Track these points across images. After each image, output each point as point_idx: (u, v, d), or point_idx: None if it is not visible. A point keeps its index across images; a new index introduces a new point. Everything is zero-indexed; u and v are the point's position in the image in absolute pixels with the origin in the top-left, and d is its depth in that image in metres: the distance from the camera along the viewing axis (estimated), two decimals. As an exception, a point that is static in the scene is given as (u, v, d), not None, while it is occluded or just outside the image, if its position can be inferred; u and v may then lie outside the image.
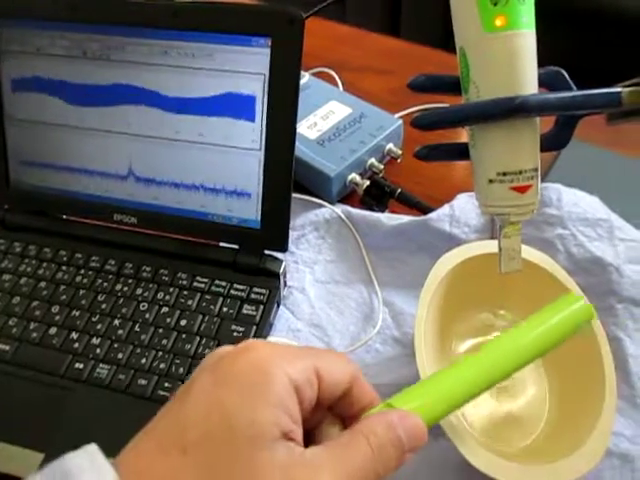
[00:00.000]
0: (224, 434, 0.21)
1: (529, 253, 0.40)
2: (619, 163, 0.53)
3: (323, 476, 0.21)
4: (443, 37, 1.13)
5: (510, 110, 0.27)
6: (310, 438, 0.24)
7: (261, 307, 0.42)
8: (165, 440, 0.22)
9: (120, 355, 0.41)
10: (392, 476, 0.32)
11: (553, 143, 0.32)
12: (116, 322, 0.42)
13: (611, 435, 0.33)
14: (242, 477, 0.21)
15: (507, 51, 0.28)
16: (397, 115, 0.57)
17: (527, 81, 0.28)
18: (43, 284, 0.45)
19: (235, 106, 0.42)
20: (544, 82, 0.30)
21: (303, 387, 0.23)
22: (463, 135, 0.32)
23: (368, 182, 0.52)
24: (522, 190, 0.29)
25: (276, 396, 0.22)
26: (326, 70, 0.65)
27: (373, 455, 0.22)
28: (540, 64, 0.29)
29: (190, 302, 0.43)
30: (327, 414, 0.25)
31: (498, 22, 0.27)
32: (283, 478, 0.21)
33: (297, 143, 0.42)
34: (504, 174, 0.29)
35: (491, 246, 0.39)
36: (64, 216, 0.50)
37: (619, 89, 0.29)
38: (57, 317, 0.43)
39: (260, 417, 0.21)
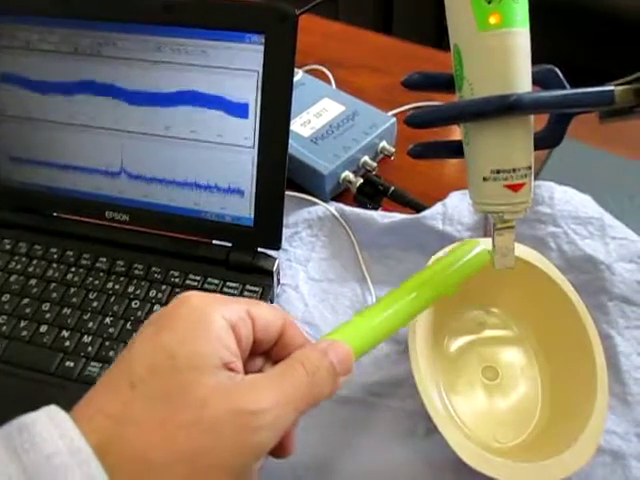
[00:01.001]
0: (169, 366, 0.23)
1: (522, 251, 0.40)
2: (611, 162, 0.53)
3: (263, 397, 0.23)
4: (435, 35, 1.13)
5: (504, 108, 0.27)
6: None
7: (254, 305, 0.42)
8: (113, 382, 0.24)
9: (112, 353, 0.40)
10: (387, 471, 0.32)
11: (546, 141, 0.32)
12: (107, 320, 0.42)
13: (603, 432, 0.34)
14: (188, 402, 0.22)
15: (501, 49, 0.28)
16: (390, 113, 0.57)
17: (521, 79, 0.28)
18: (33, 282, 0.45)
19: (228, 103, 0.42)
20: (537, 80, 0.30)
21: (238, 325, 0.25)
22: (456, 134, 0.32)
23: (361, 180, 0.51)
24: (516, 188, 0.29)
25: (214, 332, 0.24)
26: (319, 67, 0.65)
27: (308, 377, 0.25)
28: (533, 62, 0.29)
29: (182, 300, 0.43)
30: (266, 361, 0.28)
31: (492, 20, 0.27)
32: (226, 400, 0.22)
33: (290, 141, 0.42)
34: (498, 172, 0.29)
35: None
36: (55, 213, 0.49)
37: (611, 87, 0.29)
38: (47, 315, 0.43)
39: (201, 349, 0.23)
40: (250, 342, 0.26)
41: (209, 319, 0.24)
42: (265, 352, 0.28)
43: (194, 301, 0.25)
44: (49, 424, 0.21)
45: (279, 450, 0.26)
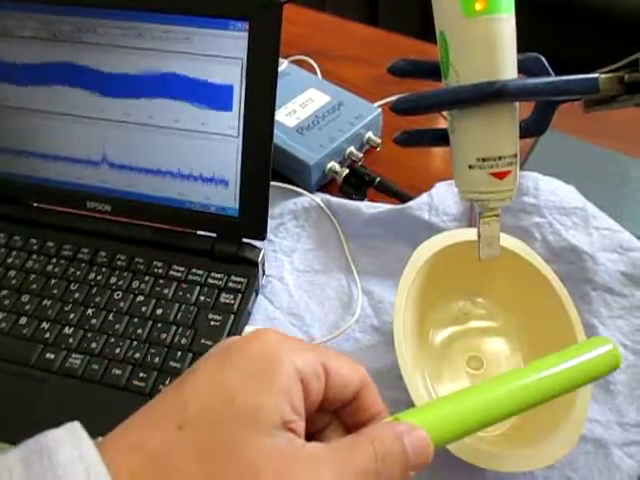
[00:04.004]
0: (224, 413, 0.20)
1: (507, 241, 0.40)
2: (594, 153, 0.54)
3: (323, 472, 0.20)
4: (420, 27, 1.13)
5: (489, 95, 0.27)
6: (312, 440, 0.23)
7: (239, 296, 0.42)
8: (161, 415, 0.21)
9: (94, 345, 0.40)
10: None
11: (532, 129, 0.32)
12: (89, 311, 0.41)
13: (586, 421, 0.34)
14: (238, 460, 0.20)
15: (487, 35, 0.27)
16: (376, 104, 0.56)
17: (506, 66, 0.28)
18: (12, 273, 0.44)
19: (212, 91, 0.41)
20: (523, 68, 0.30)
21: (309, 379, 0.22)
22: (441, 124, 0.32)
23: (347, 171, 0.51)
24: (501, 176, 0.29)
25: (281, 383, 0.21)
26: (305, 58, 0.64)
27: (376, 461, 0.21)
28: (519, 52, 0.29)
29: (166, 291, 0.42)
30: (333, 420, 0.25)
31: (478, 6, 0.27)
32: (280, 468, 0.20)
33: (276, 131, 0.41)
34: (483, 160, 0.29)
35: (469, 234, 0.40)
36: (35, 203, 0.48)
37: (596, 75, 0.29)
38: (27, 306, 0.42)
39: (262, 401, 0.21)
40: (319, 399, 0.23)
41: (278, 366, 0.21)
42: (335, 410, 0.24)
43: (269, 340, 0.22)
44: (73, 452, 0.19)
45: None
